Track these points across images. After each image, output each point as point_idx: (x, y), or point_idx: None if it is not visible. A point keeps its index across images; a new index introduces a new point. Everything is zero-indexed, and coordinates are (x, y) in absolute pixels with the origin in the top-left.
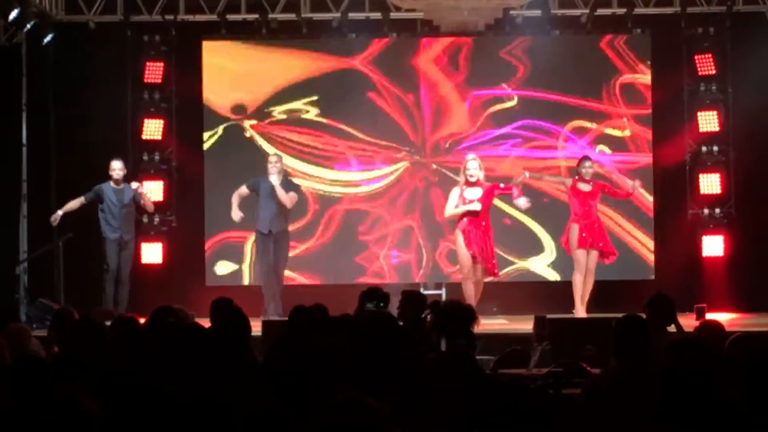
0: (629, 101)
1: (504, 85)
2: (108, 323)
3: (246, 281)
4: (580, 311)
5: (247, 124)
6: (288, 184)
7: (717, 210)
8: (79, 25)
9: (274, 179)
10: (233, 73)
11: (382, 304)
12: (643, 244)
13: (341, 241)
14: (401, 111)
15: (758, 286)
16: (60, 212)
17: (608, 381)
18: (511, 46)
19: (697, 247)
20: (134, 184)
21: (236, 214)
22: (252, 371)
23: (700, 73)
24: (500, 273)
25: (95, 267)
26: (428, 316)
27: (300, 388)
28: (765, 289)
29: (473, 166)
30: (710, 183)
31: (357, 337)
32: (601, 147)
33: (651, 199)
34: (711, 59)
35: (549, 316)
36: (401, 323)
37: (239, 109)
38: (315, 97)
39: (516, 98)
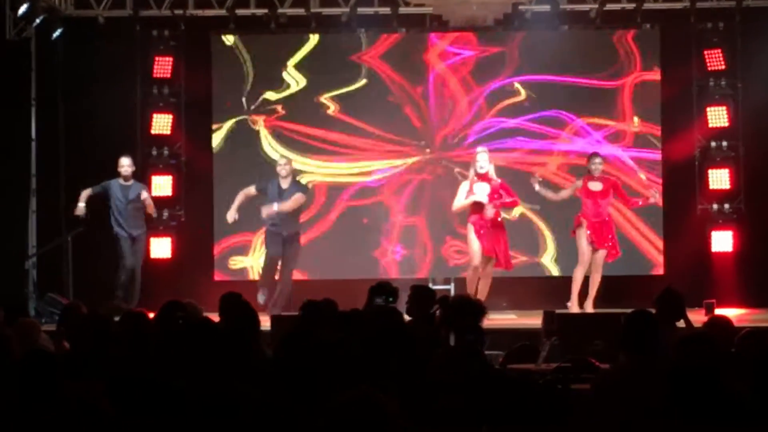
0: (639, 97)
1: (514, 82)
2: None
3: (255, 276)
4: (575, 305)
5: (256, 118)
6: (297, 186)
7: (726, 205)
8: (88, 19)
9: (283, 182)
10: (243, 68)
11: (391, 299)
12: (652, 240)
13: (349, 236)
14: (409, 105)
15: (767, 281)
16: (82, 204)
17: (617, 376)
18: (519, 40)
19: (706, 242)
20: (143, 194)
21: (231, 215)
22: (261, 366)
23: (709, 69)
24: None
25: (104, 262)
26: (437, 311)
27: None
28: None
29: (482, 159)
30: (719, 178)
31: (363, 333)
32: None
33: (660, 194)
34: (720, 54)
35: (558, 311)
36: (410, 318)
37: (248, 103)
38: (323, 92)
39: (524, 92)
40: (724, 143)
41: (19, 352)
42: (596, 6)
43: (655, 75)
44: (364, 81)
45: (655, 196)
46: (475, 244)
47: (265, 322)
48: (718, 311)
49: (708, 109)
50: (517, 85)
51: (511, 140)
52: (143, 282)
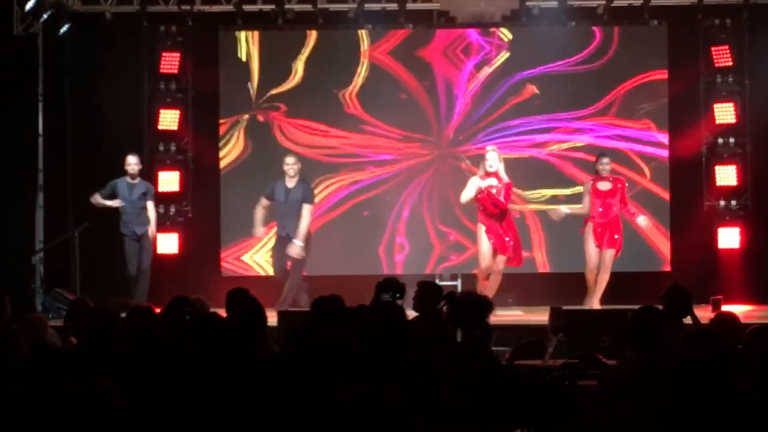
0: (646, 93)
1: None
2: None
3: (262, 272)
4: (595, 302)
5: (263, 114)
6: (302, 186)
7: (733, 202)
8: (95, 15)
9: (290, 182)
10: (250, 63)
11: (398, 295)
12: (659, 236)
13: (355, 232)
14: (417, 100)
15: None
16: (104, 202)
17: (624, 373)
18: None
19: (713, 239)
20: (150, 231)
21: (259, 230)
22: (267, 361)
23: (716, 65)
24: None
25: (111, 257)
26: (444, 307)
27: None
28: None
29: (492, 158)
30: (726, 175)
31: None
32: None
33: (667, 190)
34: (728, 51)
35: (565, 307)
36: (417, 314)
37: (257, 98)
38: (330, 87)
39: (532, 88)
40: (732, 140)
41: (26, 348)
42: (603, 2)
43: (662, 74)
44: (370, 76)
45: (644, 223)
46: (484, 245)
47: (272, 318)
48: (725, 308)
49: (715, 105)
50: (525, 81)
51: (521, 135)
52: (150, 278)
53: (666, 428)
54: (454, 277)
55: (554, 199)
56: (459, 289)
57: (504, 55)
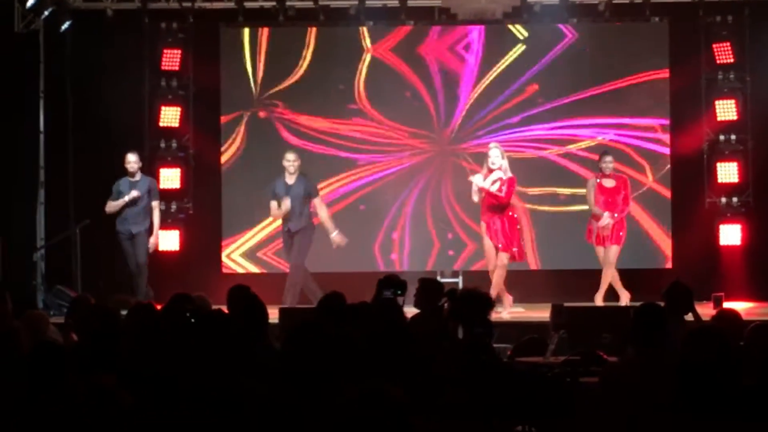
0: (647, 90)
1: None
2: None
3: (263, 269)
4: (624, 298)
5: (265, 111)
6: (303, 181)
7: (734, 199)
8: (96, 12)
9: (290, 178)
10: (251, 60)
11: (399, 292)
12: (661, 233)
13: (355, 228)
14: (419, 97)
15: None
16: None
17: (625, 369)
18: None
19: (715, 235)
20: (152, 243)
21: (283, 207)
22: (269, 358)
23: (718, 62)
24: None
25: (113, 254)
26: (445, 304)
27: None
28: None
29: (495, 154)
30: (728, 172)
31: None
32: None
33: (669, 187)
34: (729, 48)
35: (566, 304)
36: (418, 311)
37: (258, 95)
38: (331, 83)
39: (534, 85)
40: (733, 137)
41: (27, 345)
42: None
43: (664, 71)
44: (372, 73)
45: (604, 223)
46: (486, 242)
47: (274, 315)
48: (727, 305)
49: (717, 102)
50: (528, 80)
51: (524, 132)
52: (150, 274)
53: (667, 424)
54: (455, 274)
55: (555, 197)
56: (460, 286)
57: (509, 54)
